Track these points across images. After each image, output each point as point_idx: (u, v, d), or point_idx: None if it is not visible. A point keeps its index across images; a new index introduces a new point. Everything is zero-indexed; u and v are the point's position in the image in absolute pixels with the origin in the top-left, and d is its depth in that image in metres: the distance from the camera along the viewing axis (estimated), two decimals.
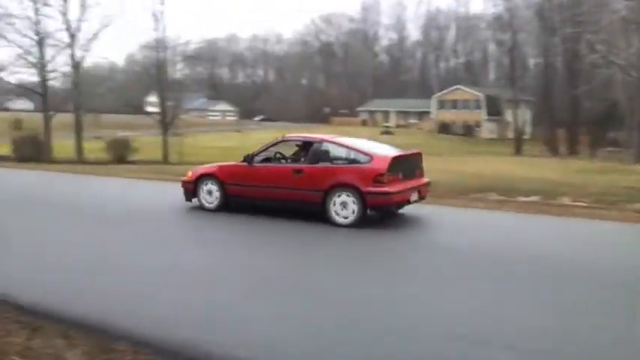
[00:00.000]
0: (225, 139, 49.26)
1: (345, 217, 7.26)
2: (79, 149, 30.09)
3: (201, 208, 8.34)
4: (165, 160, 29.91)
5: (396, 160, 7.41)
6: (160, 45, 30.32)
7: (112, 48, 58.63)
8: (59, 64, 30.39)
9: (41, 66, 28.87)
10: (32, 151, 25.76)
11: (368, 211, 7.30)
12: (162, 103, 31.87)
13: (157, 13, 29.27)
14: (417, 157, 8.28)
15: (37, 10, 28.26)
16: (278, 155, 8.43)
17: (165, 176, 15.16)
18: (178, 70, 33.82)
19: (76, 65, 30.19)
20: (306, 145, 8.21)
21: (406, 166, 7.76)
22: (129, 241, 6.64)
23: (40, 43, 28.63)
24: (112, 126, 49.14)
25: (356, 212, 7.20)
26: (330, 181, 7.42)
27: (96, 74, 34.06)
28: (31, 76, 31.29)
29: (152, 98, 36.94)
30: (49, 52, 29.42)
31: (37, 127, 28.84)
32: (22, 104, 56.32)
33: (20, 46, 28.59)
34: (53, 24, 29.58)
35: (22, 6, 28.31)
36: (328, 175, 7.51)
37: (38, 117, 32.37)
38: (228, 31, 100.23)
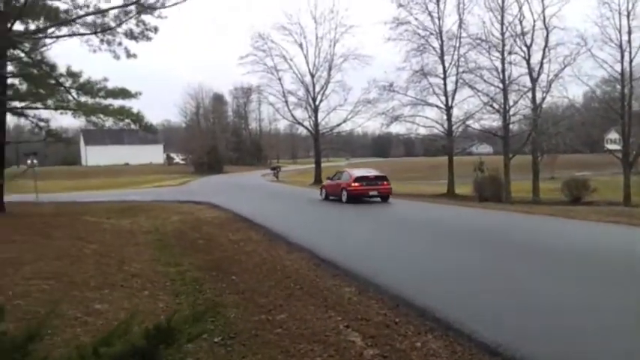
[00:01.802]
0: None
1: (345, 199, 20.90)
2: (535, 190, 30.71)
3: (323, 199, 23.13)
4: (626, 202, 27.02)
5: (358, 178, 20.89)
6: (624, 77, 28.00)
7: (572, 85, 56.31)
8: (520, 107, 32.11)
9: (504, 111, 31.21)
10: (491, 191, 27.58)
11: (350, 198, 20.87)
12: (624, 140, 29.16)
13: (622, 44, 27.18)
14: (381, 177, 21.42)
15: (503, 60, 30.76)
16: (336, 176, 22.84)
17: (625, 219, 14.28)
18: None
19: (536, 107, 31.20)
20: (342, 172, 22.77)
21: (368, 179, 21.05)
22: None
23: (505, 90, 30.91)
24: (568, 165, 48.01)
25: (346, 197, 20.86)
26: (341, 186, 21.39)
27: (554, 114, 34.11)
28: (493, 122, 34.24)
29: (612, 135, 34.28)
30: (511, 98, 31.42)
31: (496, 169, 30.88)
32: (483, 148, 62.20)
33: (487, 94, 31.78)
34: (516, 70, 31.40)
35: (492, 57, 31.19)
36: (341, 184, 21.55)
37: (496, 159, 34.76)
38: None
